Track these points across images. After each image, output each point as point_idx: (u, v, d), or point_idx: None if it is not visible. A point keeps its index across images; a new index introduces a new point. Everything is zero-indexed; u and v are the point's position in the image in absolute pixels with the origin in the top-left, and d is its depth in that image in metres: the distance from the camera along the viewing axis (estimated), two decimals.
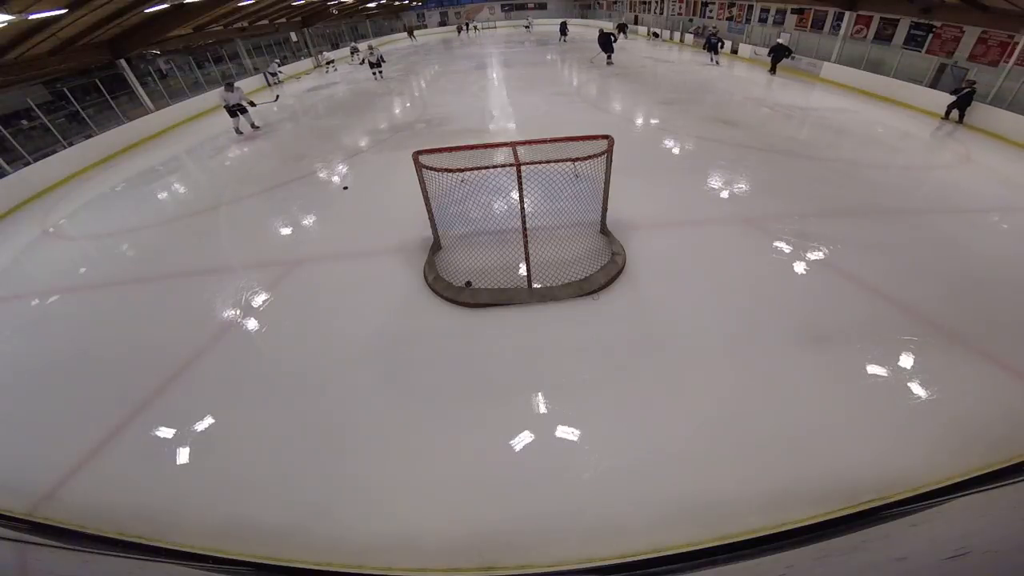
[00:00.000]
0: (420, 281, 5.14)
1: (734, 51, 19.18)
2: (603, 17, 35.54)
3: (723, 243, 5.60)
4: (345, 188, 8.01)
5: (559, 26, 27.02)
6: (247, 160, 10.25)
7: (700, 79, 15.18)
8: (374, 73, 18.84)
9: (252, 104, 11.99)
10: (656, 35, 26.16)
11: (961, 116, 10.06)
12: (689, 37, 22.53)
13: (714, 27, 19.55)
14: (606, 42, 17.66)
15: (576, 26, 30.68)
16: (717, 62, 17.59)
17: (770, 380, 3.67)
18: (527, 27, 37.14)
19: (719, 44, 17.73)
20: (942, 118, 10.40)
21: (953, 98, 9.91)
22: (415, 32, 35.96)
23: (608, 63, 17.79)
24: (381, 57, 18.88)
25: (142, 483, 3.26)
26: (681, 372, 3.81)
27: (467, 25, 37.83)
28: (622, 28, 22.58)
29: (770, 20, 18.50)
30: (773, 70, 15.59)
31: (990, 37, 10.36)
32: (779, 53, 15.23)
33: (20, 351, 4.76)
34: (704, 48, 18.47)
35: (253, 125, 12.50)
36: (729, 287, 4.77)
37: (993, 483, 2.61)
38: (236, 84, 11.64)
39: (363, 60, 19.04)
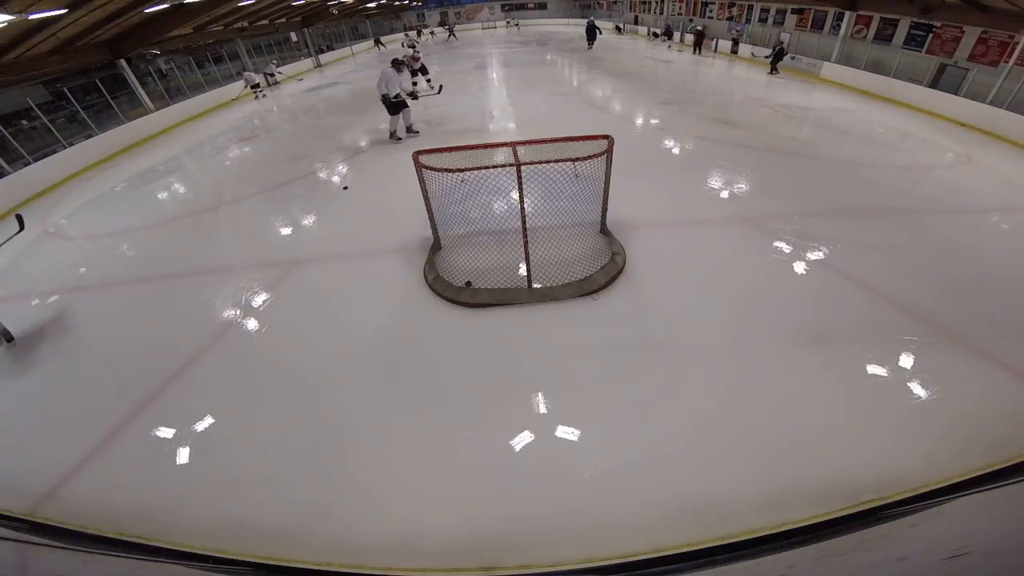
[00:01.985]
0: (420, 281, 5.15)
1: (734, 51, 19.27)
2: (603, 17, 35.64)
3: (723, 243, 5.59)
4: (345, 188, 8.01)
5: (586, 26, 22.67)
6: (247, 160, 10.24)
7: (699, 79, 15.20)
8: (415, 92, 9.87)
9: (414, 96, 8.84)
10: (656, 35, 26.18)
11: (773, 68, 15.24)
12: (689, 37, 22.59)
13: (669, 20, 25.67)
14: (592, 33, 22.27)
15: (577, 26, 30.48)
16: (670, 46, 22.55)
17: (770, 380, 3.67)
18: (503, 23, 39.93)
19: (673, 33, 23.69)
20: (769, 72, 15.35)
21: (771, 54, 15.20)
22: (381, 40, 32.40)
23: (589, 48, 22.36)
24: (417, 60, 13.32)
25: (142, 483, 3.26)
26: (681, 372, 3.81)
27: (450, 31, 35.97)
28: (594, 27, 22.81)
29: (770, 20, 18.53)
30: (696, 50, 19.87)
31: (990, 37, 10.36)
32: (700, 37, 19.70)
33: (20, 351, 4.75)
34: (663, 36, 24.41)
35: (410, 129, 9.35)
36: (729, 287, 4.76)
37: (993, 483, 2.61)
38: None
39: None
